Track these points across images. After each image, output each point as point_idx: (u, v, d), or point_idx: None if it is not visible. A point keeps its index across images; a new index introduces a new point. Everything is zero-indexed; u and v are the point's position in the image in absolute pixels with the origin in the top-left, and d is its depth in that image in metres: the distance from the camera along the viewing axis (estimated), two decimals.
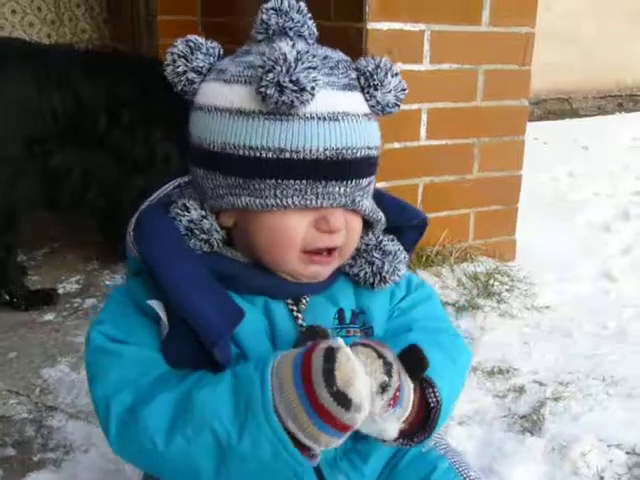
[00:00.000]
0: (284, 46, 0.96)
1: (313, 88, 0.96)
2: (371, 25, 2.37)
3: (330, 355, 0.89)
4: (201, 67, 1.06)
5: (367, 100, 1.05)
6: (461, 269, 2.59)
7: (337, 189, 1.00)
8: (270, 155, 0.98)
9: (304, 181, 0.99)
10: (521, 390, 1.95)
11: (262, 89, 0.95)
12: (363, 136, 1.02)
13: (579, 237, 3.04)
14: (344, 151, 0.99)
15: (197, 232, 1.06)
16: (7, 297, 2.47)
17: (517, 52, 2.64)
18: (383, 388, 0.91)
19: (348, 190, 1.01)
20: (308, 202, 1.00)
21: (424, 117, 2.52)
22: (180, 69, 1.05)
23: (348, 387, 0.87)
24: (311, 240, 1.04)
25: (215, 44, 1.09)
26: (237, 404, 0.92)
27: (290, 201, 1.00)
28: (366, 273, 1.14)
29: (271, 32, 1.05)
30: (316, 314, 1.10)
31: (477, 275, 2.56)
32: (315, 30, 1.09)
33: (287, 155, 0.98)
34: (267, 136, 0.98)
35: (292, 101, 0.95)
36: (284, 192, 1.00)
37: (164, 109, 2.42)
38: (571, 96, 5.83)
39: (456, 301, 2.39)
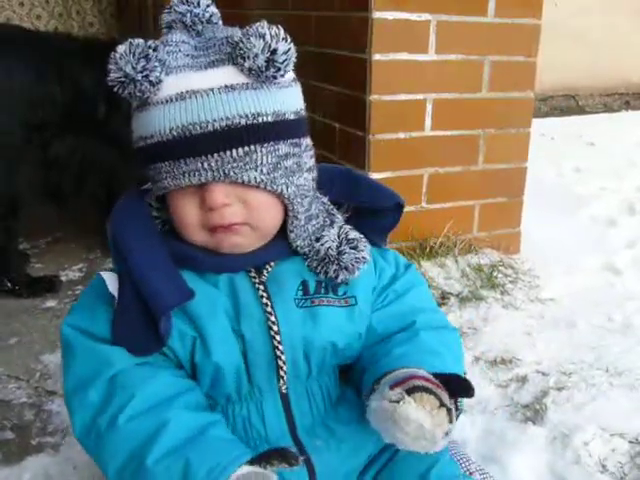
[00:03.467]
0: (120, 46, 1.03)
1: (157, 77, 1.02)
2: (377, 15, 2.34)
3: None
4: None
5: (241, 71, 1.03)
6: (465, 260, 2.56)
7: (200, 165, 1.01)
8: (141, 144, 1.06)
9: (166, 162, 1.02)
10: (524, 380, 1.93)
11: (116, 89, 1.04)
12: (217, 108, 1.00)
13: (584, 231, 3.01)
14: (190, 127, 1.00)
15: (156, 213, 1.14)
16: (9, 284, 2.46)
17: (523, 43, 2.61)
18: (446, 434, 0.98)
19: (213, 164, 1.01)
20: (179, 181, 1.03)
21: (429, 107, 2.50)
22: None
23: None
24: (206, 220, 1.06)
25: None
26: None
27: (167, 183, 1.04)
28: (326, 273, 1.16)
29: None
30: (280, 284, 1.13)
31: (481, 267, 2.54)
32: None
33: (148, 141, 1.04)
34: (137, 127, 1.07)
35: (140, 93, 1.02)
36: (160, 176, 1.05)
37: None
38: (578, 93, 5.81)
39: (459, 292, 2.37)
